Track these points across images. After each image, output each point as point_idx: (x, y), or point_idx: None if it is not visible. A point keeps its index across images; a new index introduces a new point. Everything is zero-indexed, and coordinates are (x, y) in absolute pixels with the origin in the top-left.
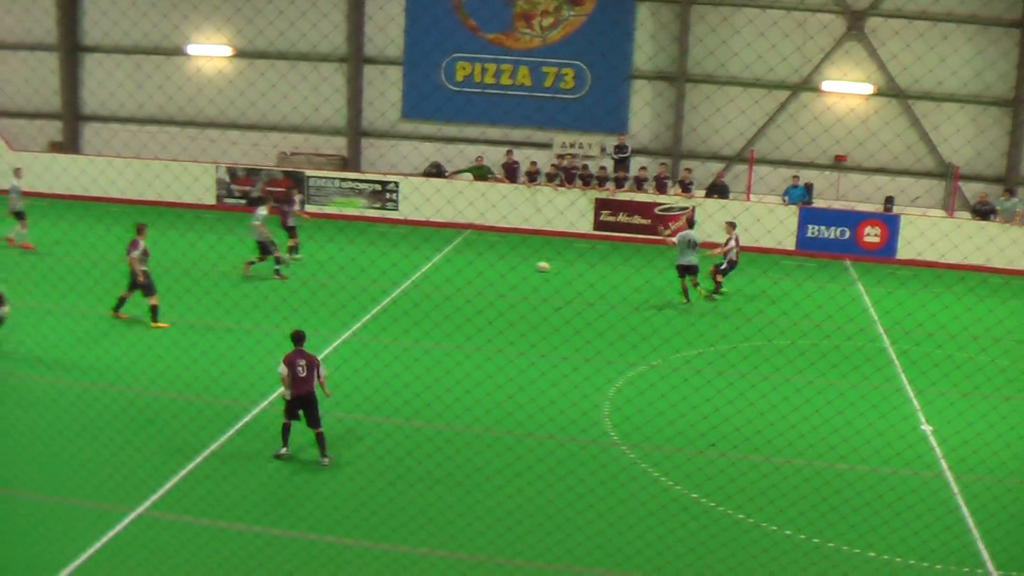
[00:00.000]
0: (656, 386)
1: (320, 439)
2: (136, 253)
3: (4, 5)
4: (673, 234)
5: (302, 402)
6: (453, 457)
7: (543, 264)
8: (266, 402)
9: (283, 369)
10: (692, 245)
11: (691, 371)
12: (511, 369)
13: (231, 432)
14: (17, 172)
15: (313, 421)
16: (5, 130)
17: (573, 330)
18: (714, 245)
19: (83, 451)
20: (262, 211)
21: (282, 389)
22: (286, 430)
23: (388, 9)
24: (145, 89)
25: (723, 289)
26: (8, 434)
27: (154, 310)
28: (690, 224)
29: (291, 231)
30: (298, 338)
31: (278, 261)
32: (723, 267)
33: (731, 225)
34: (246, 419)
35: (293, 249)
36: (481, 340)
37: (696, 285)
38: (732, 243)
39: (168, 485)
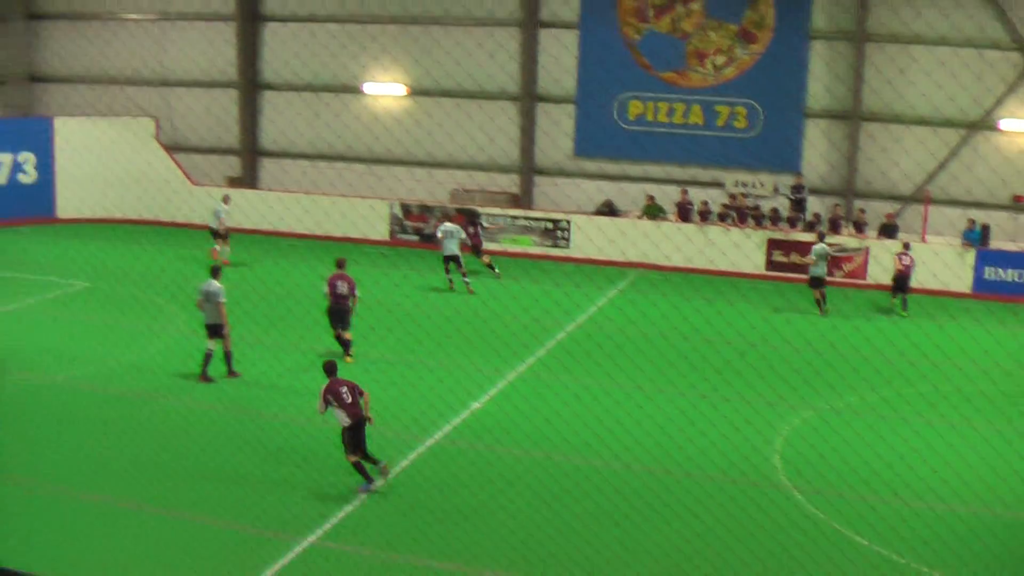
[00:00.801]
0: (830, 428)
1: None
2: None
3: (187, 44)
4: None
5: (358, 426)
6: (612, 497)
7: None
8: (440, 433)
9: (322, 405)
10: (824, 257)
11: (868, 412)
12: (679, 405)
13: (405, 463)
14: (225, 199)
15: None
16: (187, 165)
17: (745, 366)
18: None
19: (264, 478)
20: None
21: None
22: (359, 467)
23: (561, 47)
24: (320, 125)
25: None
26: (185, 458)
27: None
28: (821, 238)
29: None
30: (331, 369)
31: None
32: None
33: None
34: (419, 449)
35: (490, 266)
36: (644, 379)
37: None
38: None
39: (340, 514)
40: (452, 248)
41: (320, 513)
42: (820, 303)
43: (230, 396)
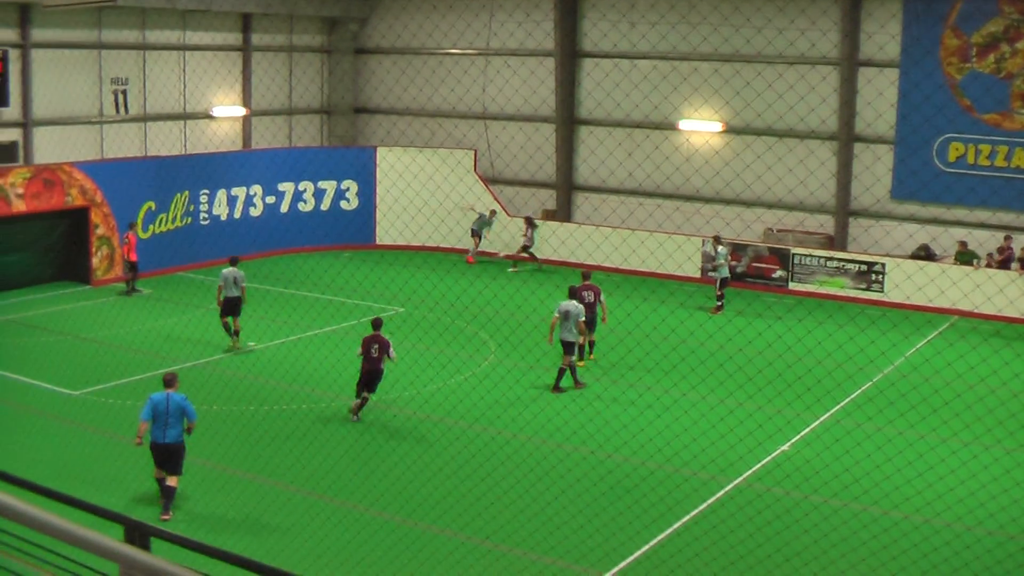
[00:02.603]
0: None
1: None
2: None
3: (508, 79)
4: None
5: (371, 376)
6: (912, 552)
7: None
8: (745, 475)
9: (360, 351)
10: None
11: None
12: (996, 467)
13: (703, 505)
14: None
15: (373, 389)
16: (504, 197)
17: None
18: None
19: (560, 512)
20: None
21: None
22: (361, 405)
23: (880, 86)
24: (634, 161)
25: None
26: (494, 489)
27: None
28: None
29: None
30: (376, 324)
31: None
32: None
33: None
34: (725, 490)
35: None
36: (961, 429)
37: None
38: None
39: (638, 553)
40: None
41: (623, 548)
42: None
43: (545, 426)
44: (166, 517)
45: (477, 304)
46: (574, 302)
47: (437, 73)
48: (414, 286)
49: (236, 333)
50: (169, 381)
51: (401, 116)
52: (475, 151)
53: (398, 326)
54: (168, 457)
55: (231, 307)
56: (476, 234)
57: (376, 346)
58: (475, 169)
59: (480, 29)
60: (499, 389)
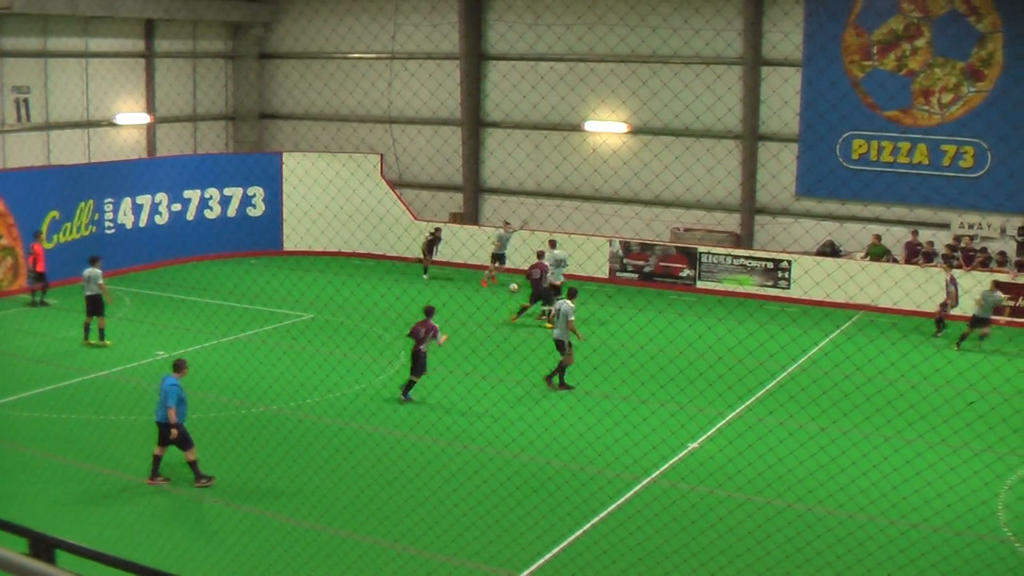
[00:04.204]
0: None
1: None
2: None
3: (414, 83)
4: None
5: (417, 355)
6: (834, 545)
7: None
8: (657, 472)
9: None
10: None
11: None
12: (897, 458)
13: (621, 500)
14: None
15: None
16: (410, 200)
17: (963, 421)
18: None
19: (470, 514)
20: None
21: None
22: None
23: (784, 86)
24: (541, 163)
25: None
26: (400, 492)
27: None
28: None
29: None
30: (429, 312)
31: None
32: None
33: None
34: (636, 488)
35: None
36: (868, 426)
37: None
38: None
39: (552, 553)
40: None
41: (536, 549)
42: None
43: (451, 428)
44: (201, 484)
45: (382, 308)
46: (566, 301)
47: (342, 77)
48: (321, 291)
49: (101, 331)
50: (174, 366)
51: (307, 121)
52: (381, 155)
53: (302, 332)
54: (161, 434)
55: (93, 306)
56: (498, 257)
57: (423, 331)
58: (381, 173)
59: (385, 33)
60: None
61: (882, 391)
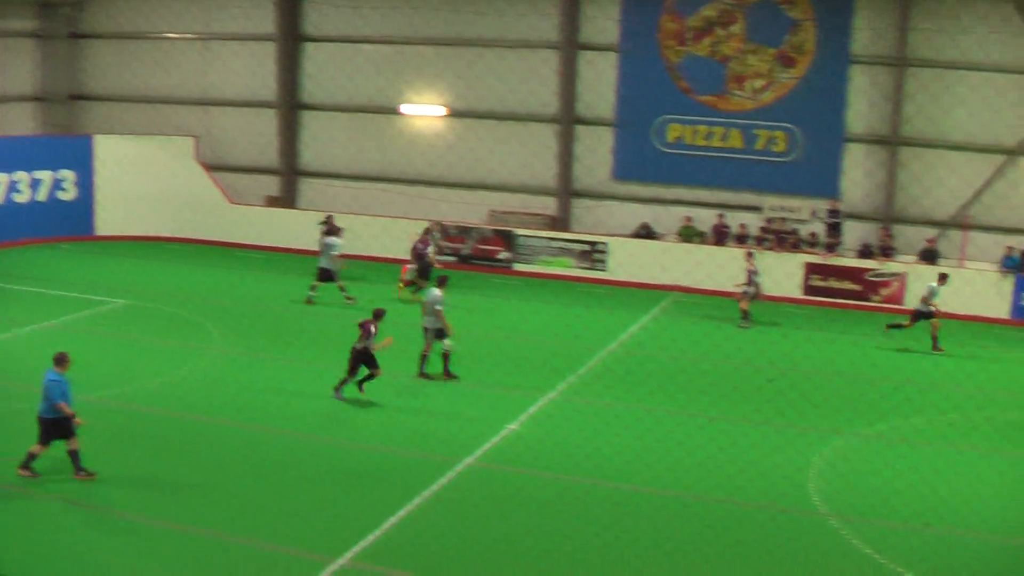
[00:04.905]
0: (862, 455)
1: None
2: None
3: (229, 64)
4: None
5: (356, 355)
6: (645, 522)
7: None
8: (475, 455)
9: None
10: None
11: (898, 440)
12: (711, 431)
13: (434, 487)
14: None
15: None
16: (226, 184)
17: (775, 392)
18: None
19: (291, 501)
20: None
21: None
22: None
23: (600, 70)
24: (359, 145)
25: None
26: (227, 479)
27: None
28: None
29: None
30: (376, 314)
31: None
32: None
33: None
34: (457, 469)
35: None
36: (682, 402)
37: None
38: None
39: (371, 537)
40: None
41: (355, 534)
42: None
43: (268, 413)
44: (79, 476)
45: (200, 294)
46: (434, 290)
47: (159, 58)
48: (135, 277)
49: None
50: (55, 360)
51: (120, 103)
52: (196, 138)
53: (117, 318)
54: (44, 430)
55: None
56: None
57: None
58: (196, 156)
59: (200, 13)
60: (225, 380)
61: (685, 370)
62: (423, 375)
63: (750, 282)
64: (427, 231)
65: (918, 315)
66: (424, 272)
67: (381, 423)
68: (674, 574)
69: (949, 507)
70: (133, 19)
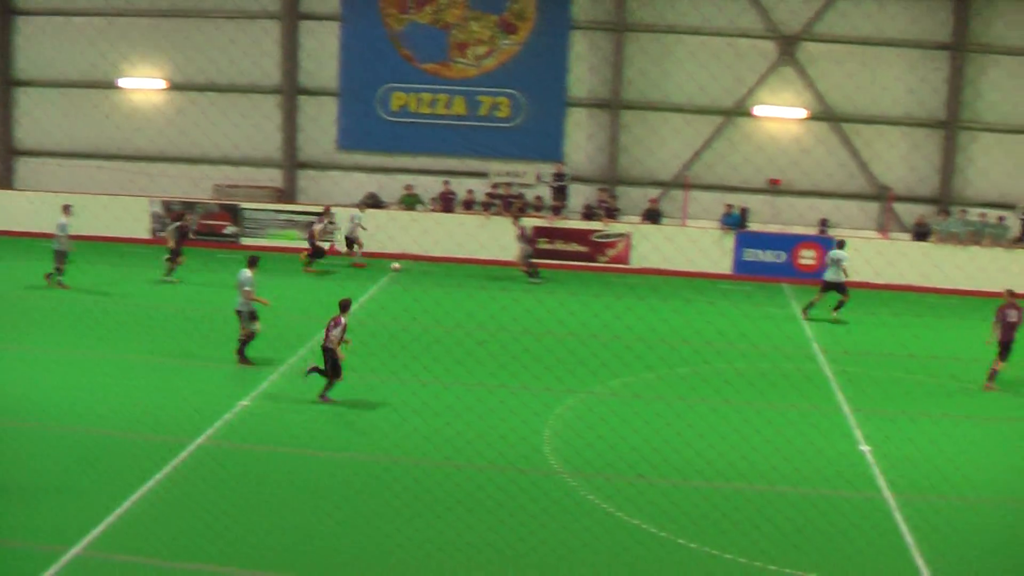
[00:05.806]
0: (595, 412)
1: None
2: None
3: None
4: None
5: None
6: (382, 491)
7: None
8: (203, 437)
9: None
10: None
11: (631, 396)
12: (447, 397)
13: (167, 468)
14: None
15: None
16: None
17: (509, 356)
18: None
19: (27, 487)
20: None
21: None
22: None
23: (322, 39)
24: (77, 121)
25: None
26: None
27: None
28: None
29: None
30: (342, 306)
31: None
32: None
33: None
34: (182, 455)
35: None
36: (416, 370)
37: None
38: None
39: (103, 525)
40: None
41: (89, 520)
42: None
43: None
44: None
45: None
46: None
47: None
48: None
49: None
50: None
51: None
52: None
53: None
54: None
55: None
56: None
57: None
58: None
59: None
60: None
61: (419, 338)
62: (244, 360)
63: (525, 241)
64: (323, 213)
65: (828, 286)
66: (319, 253)
67: (112, 407)
68: (411, 539)
69: (679, 455)
70: None
